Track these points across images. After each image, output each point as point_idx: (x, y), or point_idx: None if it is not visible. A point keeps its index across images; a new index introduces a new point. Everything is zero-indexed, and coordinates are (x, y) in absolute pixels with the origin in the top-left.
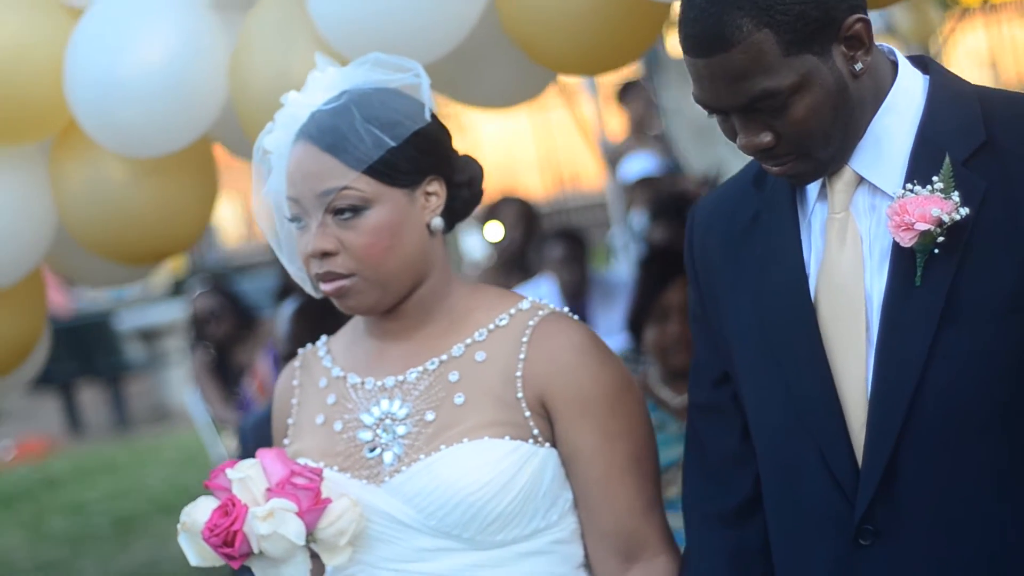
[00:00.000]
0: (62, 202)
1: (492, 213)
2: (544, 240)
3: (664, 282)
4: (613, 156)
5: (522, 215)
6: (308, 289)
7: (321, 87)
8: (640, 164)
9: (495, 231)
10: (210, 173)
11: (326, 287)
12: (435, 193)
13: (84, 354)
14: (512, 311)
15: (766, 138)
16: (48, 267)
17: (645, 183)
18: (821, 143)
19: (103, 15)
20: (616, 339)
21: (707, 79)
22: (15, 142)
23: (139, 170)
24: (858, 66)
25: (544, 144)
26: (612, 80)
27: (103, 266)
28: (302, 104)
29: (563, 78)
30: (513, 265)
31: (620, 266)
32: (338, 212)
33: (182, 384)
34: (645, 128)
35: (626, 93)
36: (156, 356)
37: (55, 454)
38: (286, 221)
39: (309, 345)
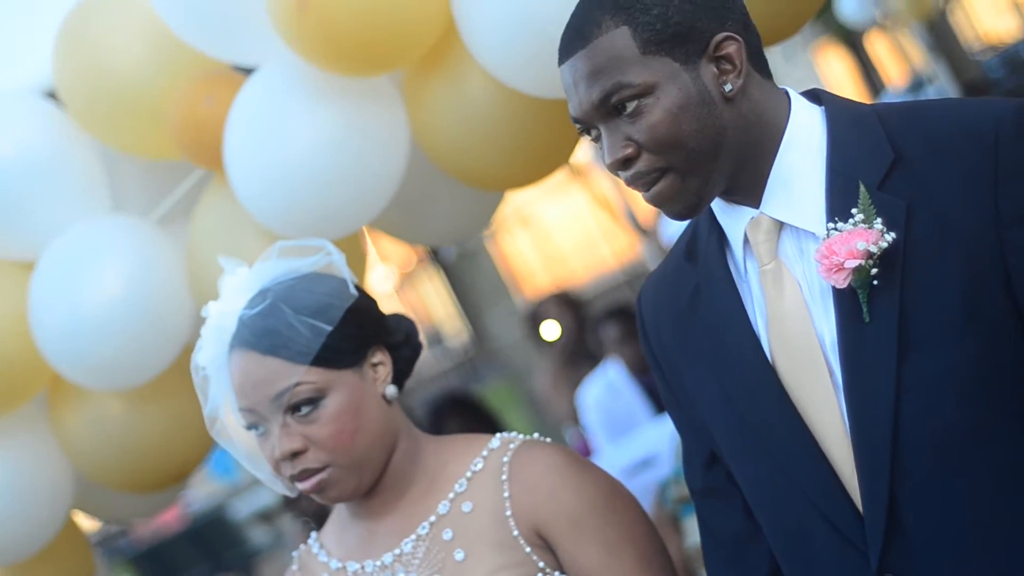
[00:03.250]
0: (71, 451)
1: (537, 316)
2: (598, 323)
3: None
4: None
5: (566, 306)
6: (282, 490)
7: (238, 290)
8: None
9: (551, 329)
10: None
11: (304, 485)
12: (381, 362)
13: (212, 553)
14: (484, 453)
15: (628, 149)
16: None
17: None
18: (684, 157)
19: (55, 261)
20: None
21: (571, 84)
22: (5, 409)
23: (134, 399)
24: (728, 87)
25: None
26: None
27: (130, 500)
28: (226, 313)
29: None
30: (578, 356)
31: None
32: (296, 409)
33: None
34: None
35: None
36: (279, 535)
37: None
38: (242, 430)
39: (302, 546)
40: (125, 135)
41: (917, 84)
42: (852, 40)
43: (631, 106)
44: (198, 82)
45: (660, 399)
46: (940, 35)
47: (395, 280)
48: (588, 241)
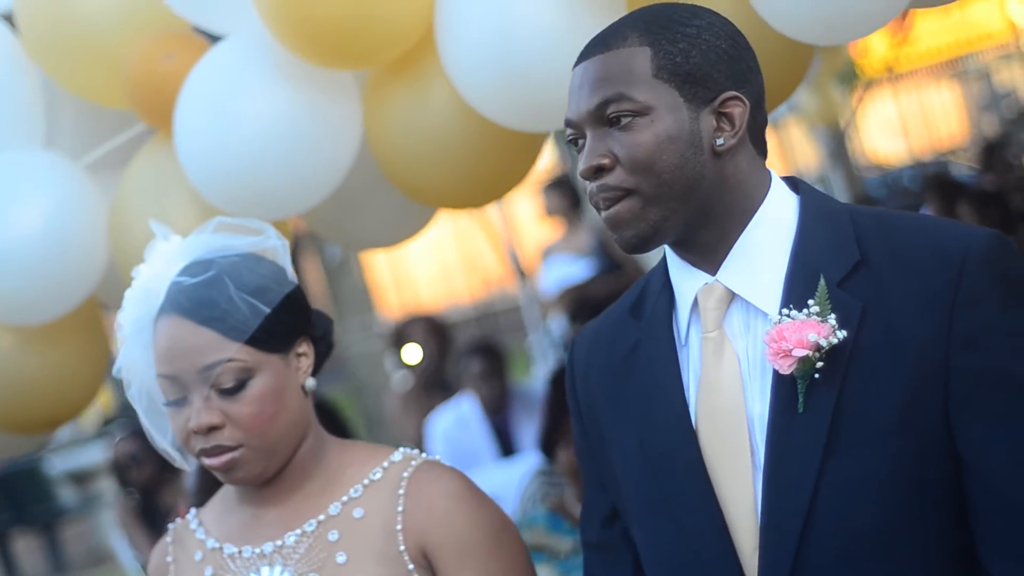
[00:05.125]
0: None
1: (402, 335)
2: (461, 355)
3: None
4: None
5: (432, 333)
6: (178, 463)
7: (170, 257)
8: (562, 269)
9: (413, 353)
10: (99, 336)
11: (213, 461)
12: (305, 353)
13: (16, 503)
14: (385, 464)
15: (604, 159)
16: None
17: (569, 290)
18: (654, 185)
19: None
20: (537, 455)
21: (576, 86)
22: None
23: (26, 337)
24: (720, 141)
25: (468, 246)
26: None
27: None
28: (156, 276)
29: None
30: (433, 385)
31: (541, 377)
32: (221, 385)
33: (116, 526)
34: (571, 225)
35: (550, 191)
36: (89, 499)
37: None
38: (144, 396)
39: (178, 520)
40: (75, 75)
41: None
42: None
43: (624, 120)
44: (161, 38)
45: (508, 441)
46: (838, 143)
47: None
48: (444, 271)
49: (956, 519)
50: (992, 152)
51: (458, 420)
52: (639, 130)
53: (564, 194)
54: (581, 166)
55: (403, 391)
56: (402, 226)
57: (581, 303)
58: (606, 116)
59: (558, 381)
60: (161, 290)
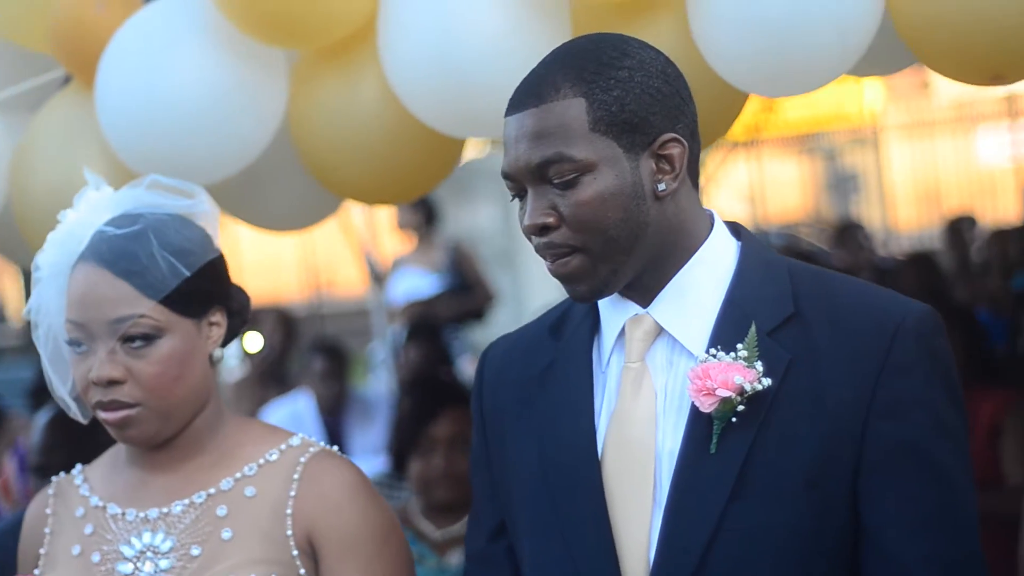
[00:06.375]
0: None
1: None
2: (304, 351)
3: (431, 413)
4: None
5: (280, 324)
6: (73, 413)
7: (99, 206)
8: (411, 281)
9: (255, 341)
10: None
11: (108, 415)
12: (217, 323)
13: None
14: (283, 447)
15: (549, 218)
16: None
17: (415, 303)
18: (601, 242)
19: None
20: (373, 461)
21: (512, 138)
22: None
23: None
24: (661, 186)
25: (304, 245)
26: None
27: None
28: (82, 223)
29: None
30: (270, 377)
31: (379, 382)
32: (129, 340)
33: None
34: (425, 241)
35: (405, 204)
36: None
37: None
38: (50, 340)
39: (62, 473)
40: None
41: None
42: None
43: (566, 176)
44: None
45: (340, 444)
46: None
47: None
48: (274, 264)
49: None
50: (846, 231)
51: (292, 416)
52: (582, 188)
53: (418, 209)
54: (525, 222)
55: (237, 378)
56: (305, 212)
57: (423, 319)
58: (547, 176)
59: (413, 390)
60: (84, 237)
